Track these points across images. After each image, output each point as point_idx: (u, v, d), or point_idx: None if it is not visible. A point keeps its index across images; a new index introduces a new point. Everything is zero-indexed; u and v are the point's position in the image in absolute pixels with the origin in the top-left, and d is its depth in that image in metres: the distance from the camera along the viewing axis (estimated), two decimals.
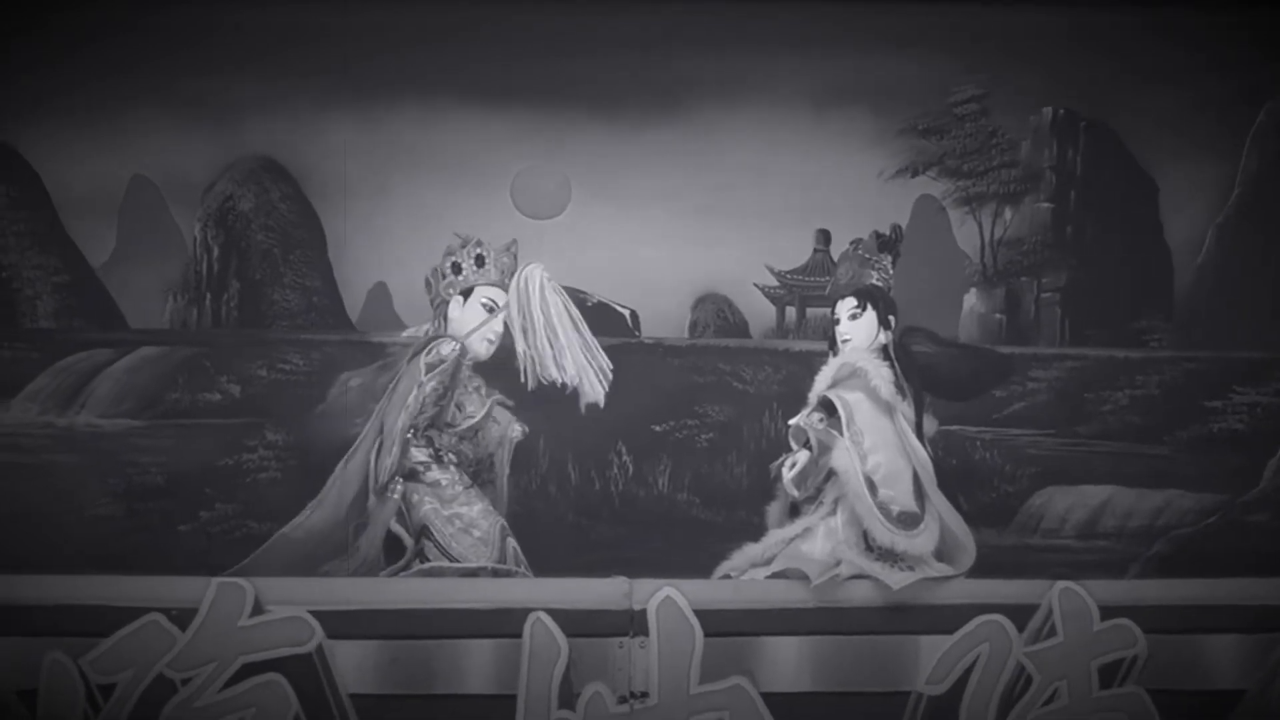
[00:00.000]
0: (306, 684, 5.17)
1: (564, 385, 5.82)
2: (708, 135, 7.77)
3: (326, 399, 7.47)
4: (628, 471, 7.59)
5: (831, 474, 5.62)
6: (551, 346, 5.82)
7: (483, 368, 5.96)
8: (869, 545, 5.55)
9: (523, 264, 5.89)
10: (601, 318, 7.69)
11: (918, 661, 5.36)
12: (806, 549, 5.61)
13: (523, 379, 5.81)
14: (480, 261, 5.92)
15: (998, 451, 7.63)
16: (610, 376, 5.84)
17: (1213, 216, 7.89)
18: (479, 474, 5.93)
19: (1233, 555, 7.31)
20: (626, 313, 7.75)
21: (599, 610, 5.31)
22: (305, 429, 7.38)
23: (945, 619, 5.39)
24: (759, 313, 7.92)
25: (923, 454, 5.64)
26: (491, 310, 5.89)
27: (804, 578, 5.47)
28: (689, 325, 7.86)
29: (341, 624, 5.21)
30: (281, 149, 7.80)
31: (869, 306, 5.78)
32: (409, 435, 5.80)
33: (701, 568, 5.78)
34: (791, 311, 7.95)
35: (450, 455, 5.86)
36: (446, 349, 5.84)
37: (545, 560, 5.93)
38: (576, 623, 5.25)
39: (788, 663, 5.35)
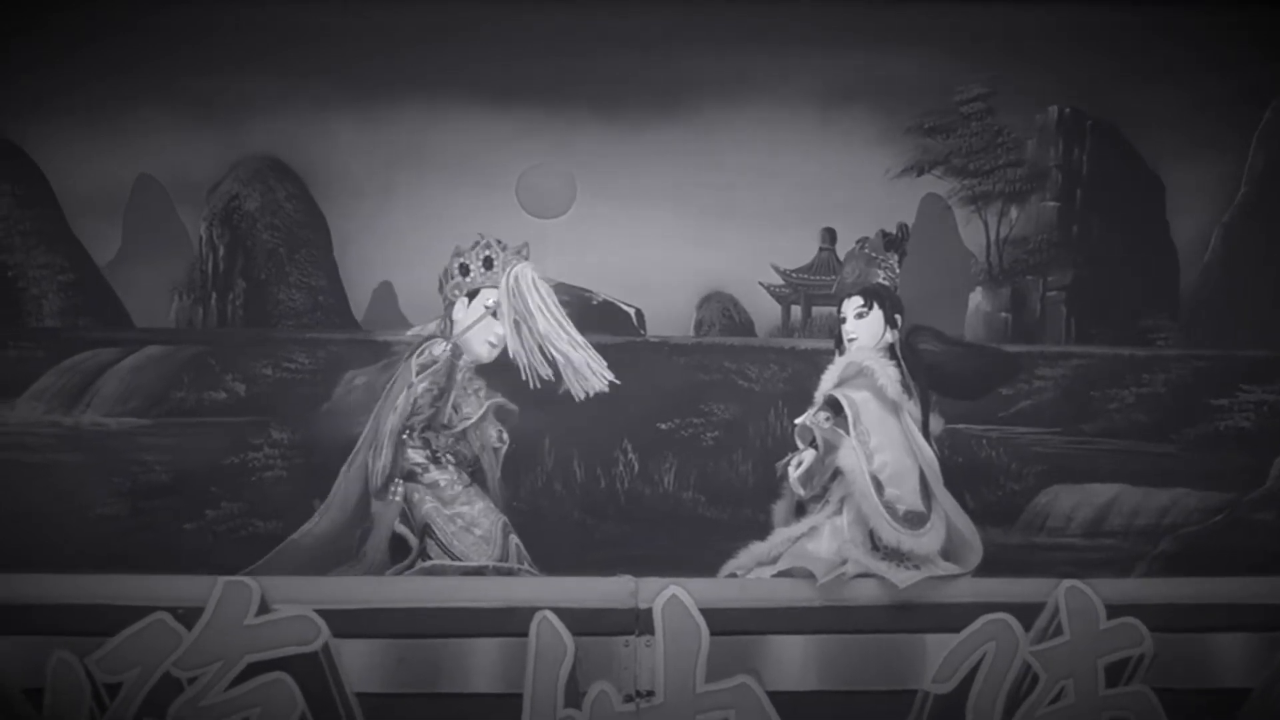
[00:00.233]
0: (312, 683, 5.17)
1: (558, 380, 5.83)
2: (713, 134, 7.76)
3: (332, 397, 7.50)
4: (633, 469, 7.58)
5: (838, 473, 5.61)
6: (544, 342, 5.83)
7: (487, 371, 5.96)
8: (875, 544, 5.55)
9: (512, 264, 5.90)
10: (606, 316, 7.69)
11: (924, 660, 5.36)
12: (812, 548, 5.61)
13: (524, 377, 5.82)
14: (489, 264, 5.91)
15: (1004, 450, 7.62)
16: (605, 367, 5.85)
17: (1219, 215, 7.88)
18: (476, 474, 5.93)
19: (1239, 553, 7.30)
20: (631, 311, 7.75)
21: (605, 609, 5.31)
22: (311, 427, 7.39)
23: (951, 618, 5.39)
24: (764, 312, 7.92)
25: (929, 453, 5.64)
26: (495, 314, 5.89)
27: (810, 576, 5.47)
28: (694, 324, 7.86)
29: (348, 623, 5.22)
30: (287, 148, 7.79)
31: (875, 305, 5.78)
32: (405, 437, 5.80)
33: (707, 566, 5.78)
34: (797, 310, 7.95)
35: (448, 456, 5.86)
36: (438, 349, 5.84)
37: (551, 558, 5.93)
38: (582, 621, 5.25)
39: (794, 661, 5.35)
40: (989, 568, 5.59)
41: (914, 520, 5.54)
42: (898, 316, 5.81)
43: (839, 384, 5.71)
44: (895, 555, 5.52)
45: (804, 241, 7.88)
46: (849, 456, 5.57)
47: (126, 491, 7.46)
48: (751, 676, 5.29)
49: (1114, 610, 5.39)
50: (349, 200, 7.78)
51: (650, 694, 5.25)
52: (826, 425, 5.66)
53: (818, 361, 5.96)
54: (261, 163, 7.82)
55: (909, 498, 5.56)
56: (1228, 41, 7.72)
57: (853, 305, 5.81)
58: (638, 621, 5.30)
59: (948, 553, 5.59)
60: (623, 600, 5.32)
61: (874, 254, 5.89)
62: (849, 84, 7.76)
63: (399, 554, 5.77)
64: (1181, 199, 7.87)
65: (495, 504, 5.90)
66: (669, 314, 7.81)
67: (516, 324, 5.84)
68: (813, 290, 7.86)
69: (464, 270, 5.92)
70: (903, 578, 5.44)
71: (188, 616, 5.17)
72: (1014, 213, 7.93)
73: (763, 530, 5.80)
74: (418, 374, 5.80)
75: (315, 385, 7.54)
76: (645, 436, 7.59)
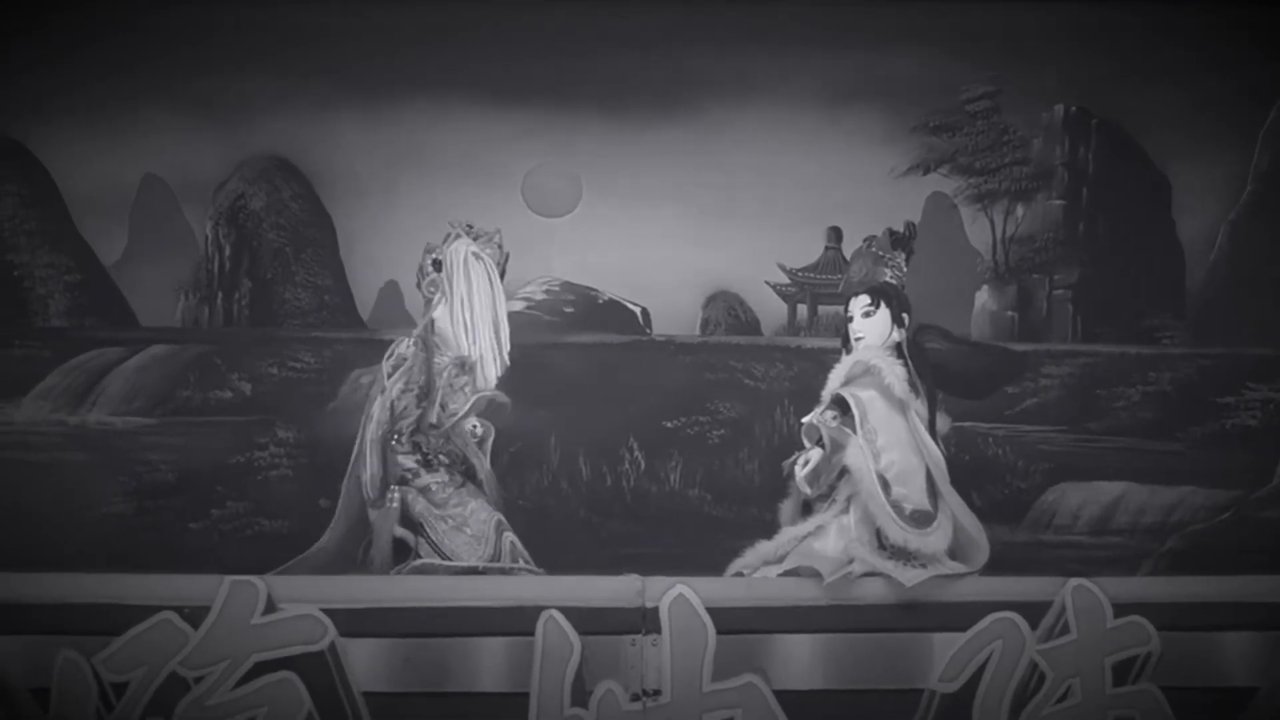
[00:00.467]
0: (319, 682, 5.17)
1: (467, 361, 5.82)
2: (718, 133, 7.76)
3: (338, 396, 7.51)
4: (639, 467, 7.59)
5: (844, 472, 5.61)
6: (464, 321, 5.83)
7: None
8: (882, 543, 5.54)
9: (453, 239, 5.90)
10: (612, 315, 7.70)
11: (930, 659, 5.36)
12: (819, 547, 5.60)
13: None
14: None
15: (1010, 448, 7.62)
16: (508, 364, 5.83)
17: (1225, 213, 7.88)
18: (472, 473, 5.92)
19: (1246, 551, 7.30)
20: (637, 310, 7.75)
21: (611, 608, 5.30)
22: (316, 427, 7.40)
23: (958, 616, 5.38)
24: (771, 310, 7.92)
25: (936, 452, 5.63)
26: None
27: (816, 575, 5.47)
28: (700, 323, 7.86)
29: (354, 622, 5.21)
30: (290, 148, 7.80)
31: (882, 304, 5.77)
32: (395, 442, 5.79)
33: (713, 564, 5.78)
34: (803, 309, 7.95)
35: (440, 457, 5.84)
36: (403, 347, 5.84)
37: (556, 556, 5.93)
38: (589, 620, 5.25)
39: (800, 660, 5.35)
40: (995, 566, 5.58)
41: (921, 519, 5.54)
42: (905, 315, 5.80)
43: (846, 383, 5.70)
44: (902, 554, 5.51)
45: (809, 241, 7.88)
46: (856, 455, 5.57)
47: (132, 491, 7.47)
48: (758, 675, 5.29)
49: (1121, 609, 5.38)
50: (354, 200, 7.79)
51: (657, 693, 5.24)
52: (833, 424, 5.66)
53: (824, 360, 5.95)
54: (267, 162, 7.82)
55: (916, 496, 5.55)
56: (1228, 41, 7.72)
57: (860, 304, 5.80)
58: (644, 620, 5.29)
59: (954, 551, 5.58)
60: (629, 599, 5.31)
61: (881, 252, 5.88)
62: (850, 83, 7.76)
63: (403, 557, 5.77)
64: (1187, 197, 7.87)
65: (491, 498, 5.89)
66: (674, 313, 7.81)
67: (447, 301, 5.84)
68: (819, 289, 7.86)
69: (437, 266, 5.92)
70: (909, 576, 5.44)
71: (194, 616, 5.16)
72: (1020, 211, 7.93)
73: (769, 529, 5.80)
74: (389, 377, 5.80)
75: (321, 384, 7.55)
76: (651, 434, 7.59)
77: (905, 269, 5.89)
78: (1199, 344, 7.81)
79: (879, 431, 5.58)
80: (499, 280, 5.92)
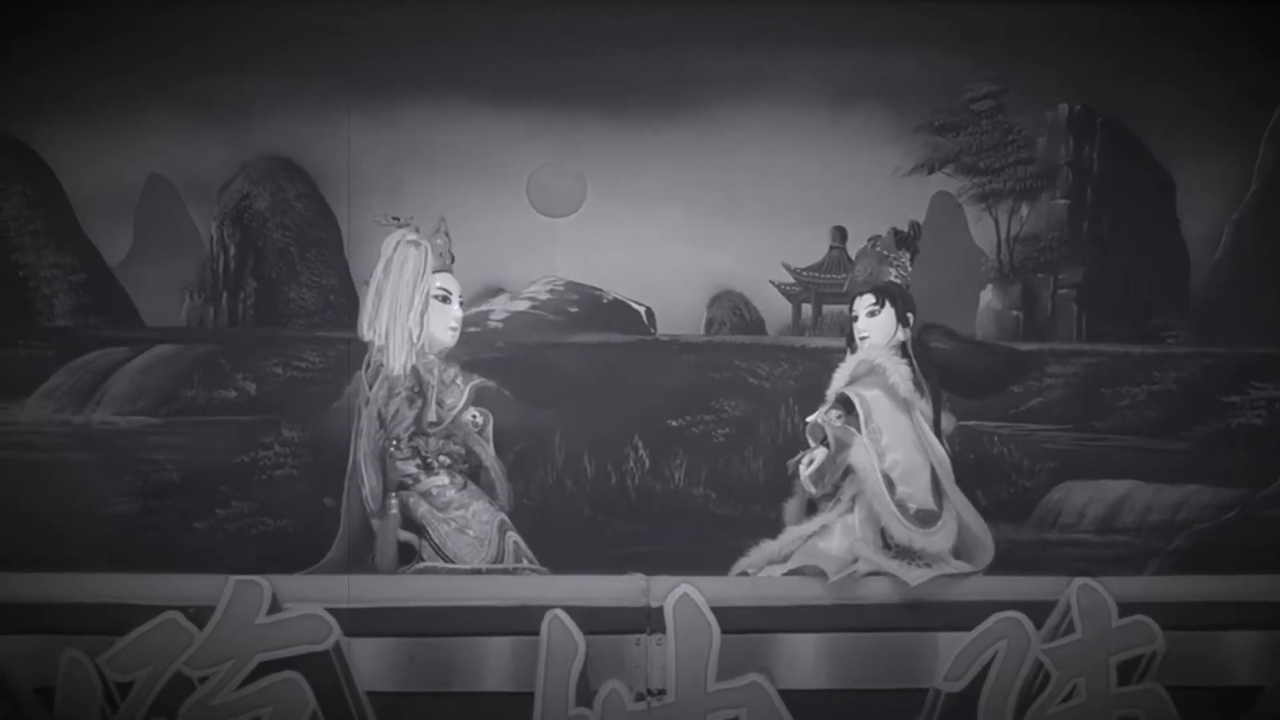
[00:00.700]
0: (324, 681, 5.17)
1: (375, 347, 5.81)
2: (722, 132, 7.75)
3: (343, 396, 7.47)
4: (644, 466, 7.58)
5: (849, 471, 5.61)
6: (373, 305, 5.83)
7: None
8: (887, 542, 5.54)
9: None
10: (616, 315, 7.69)
11: (935, 658, 5.36)
12: (824, 546, 5.60)
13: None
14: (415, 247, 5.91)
15: (1015, 447, 7.61)
16: (417, 345, 5.80)
17: (1229, 213, 7.87)
18: (475, 471, 5.91)
19: (1251, 550, 7.29)
20: (641, 310, 7.75)
21: (616, 607, 5.31)
22: (321, 426, 7.39)
23: (963, 616, 5.39)
24: (775, 310, 7.90)
25: (940, 451, 5.64)
26: (445, 299, 5.89)
27: (821, 575, 5.47)
28: (705, 323, 7.85)
29: (359, 622, 5.22)
30: (292, 147, 7.79)
31: (887, 303, 5.78)
32: (393, 449, 5.78)
33: (718, 563, 5.78)
34: (808, 308, 7.94)
35: (441, 459, 5.83)
36: (380, 354, 5.85)
37: (561, 555, 5.93)
38: (594, 620, 5.25)
39: (805, 660, 5.35)
40: (1001, 565, 5.59)
41: (925, 518, 5.54)
42: (909, 314, 5.81)
43: (851, 382, 5.71)
44: (907, 553, 5.51)
45: (813, 240, 7.87)
46: (861, 455, 5.57)
47: (137, 490, 7.46)
48: (763, 675, 5.29)
49: (1125, 608, 5.39)
50: (359, 199, 7.78)
51: (661, 692, 5.25)
52: (838, 423, 5.66)
53: (829, 360, 5.95)
54: (272, 162, 7.81)
55: (920, 496, 5.56)
56: (1228, 41, 7.71)
57: (864, 303, 5.81)
58: (649, 620, 5.30)
59: (959, 551, 5.59)
60: (634, 599, 5.32)
61: (886, 252, 5.89)
62: (852, 83, 7.74)
63: (407, 560, 5.77)
64: (1192, 197, 7.86)
65: (499, 486, 5.87)
66: (679, 312, 7.80)
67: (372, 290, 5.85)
68: (824, 288, 7.85)
69: None
70: (914, 576, 5.44)
71: (199, 615, 5.17)
72: (1025, 210, 7.92)
73: (774, 528, 5.80)
74: (371, 387, 5.80)
75: (326, 384, 7.53)
76: (656, 433, 7.58)
77: (910, 268, 5.90)
78: (1204, 343, 7.80)
79: (884, 431, 5.58)
80: (429, 267, 5.89)
